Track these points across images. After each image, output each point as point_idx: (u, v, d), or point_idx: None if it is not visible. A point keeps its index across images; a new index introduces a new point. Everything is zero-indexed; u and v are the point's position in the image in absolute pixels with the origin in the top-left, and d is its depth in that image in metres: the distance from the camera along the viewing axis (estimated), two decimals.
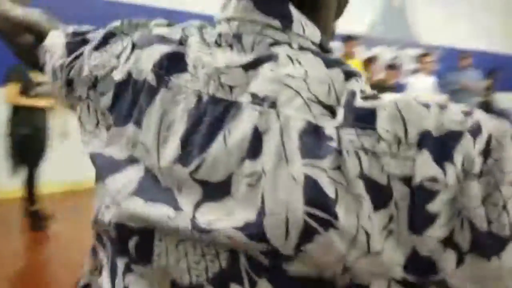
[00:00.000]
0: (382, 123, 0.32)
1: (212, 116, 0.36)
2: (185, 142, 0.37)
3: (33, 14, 0.58)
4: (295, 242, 0.32)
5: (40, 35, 0.56)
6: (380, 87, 3.81)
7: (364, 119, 0.33)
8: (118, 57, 0.45)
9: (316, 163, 0.32)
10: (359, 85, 0.36)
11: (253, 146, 0.34)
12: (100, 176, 0.43)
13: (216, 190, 0.35)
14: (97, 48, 0.47)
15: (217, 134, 0.35)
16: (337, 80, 0.35)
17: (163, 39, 0.43)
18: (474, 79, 5.05)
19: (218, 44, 0.40)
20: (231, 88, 0.37)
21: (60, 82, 0.50)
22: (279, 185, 0.32)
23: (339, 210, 0.31)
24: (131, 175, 0.39)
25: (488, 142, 0.31)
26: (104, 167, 0.42)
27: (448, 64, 5.62)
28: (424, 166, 0.31)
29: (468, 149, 0.31)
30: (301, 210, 0.32)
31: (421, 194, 0.31)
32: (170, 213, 0.36)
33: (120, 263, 0.41)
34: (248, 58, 0.37)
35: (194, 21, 0.45)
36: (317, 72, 0.36)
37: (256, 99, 0.35)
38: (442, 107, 0.33)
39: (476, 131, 0.32)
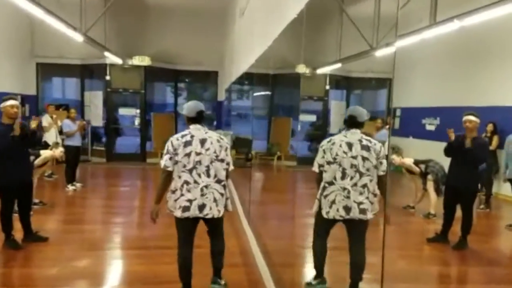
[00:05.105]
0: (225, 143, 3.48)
1: (202, 140, 3.34)
2: (201, 146, 3.36)
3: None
4: (223, 156, 3.42)
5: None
6: None
7: (222, 142, 3.46)
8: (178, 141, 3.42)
9: (222, 146, 3.44)
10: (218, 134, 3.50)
11: (211, 145, 3.38)
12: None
13: (214, 153, 3.40)
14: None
15: (206, 143, 3.36)
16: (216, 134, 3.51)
17: (185, 135, 3.44)
18: None
19: (196, 131, 3.44)
20: (203, 136, 3.41)
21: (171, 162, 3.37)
22: (220, 151, 3.42)
23: (226, 153, 3.44)
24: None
25: None
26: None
27: None
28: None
29: None
30: (224, 155, 3.44)
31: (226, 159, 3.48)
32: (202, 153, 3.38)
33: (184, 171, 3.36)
34: (204, 132, 3.43)
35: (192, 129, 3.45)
36: (215, 133, 3.46)
37: (210, 137, 3.41)
38: None
39: None
